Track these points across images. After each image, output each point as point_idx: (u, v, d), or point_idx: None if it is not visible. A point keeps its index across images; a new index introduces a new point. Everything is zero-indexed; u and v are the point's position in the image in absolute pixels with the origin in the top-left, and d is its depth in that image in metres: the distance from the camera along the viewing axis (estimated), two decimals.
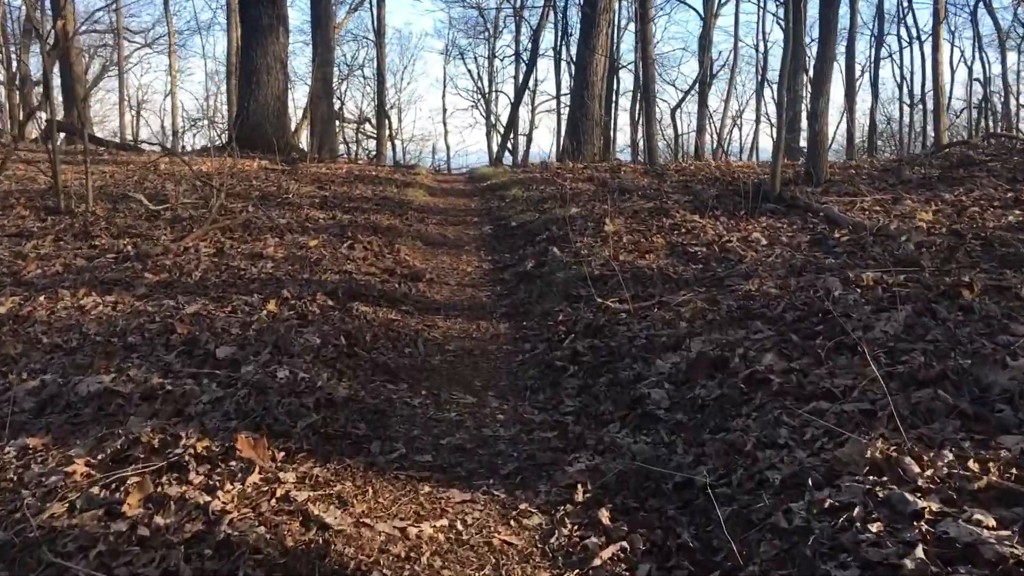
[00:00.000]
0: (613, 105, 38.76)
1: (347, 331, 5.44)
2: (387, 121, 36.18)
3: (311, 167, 13.96)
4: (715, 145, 43.16)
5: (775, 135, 8.29)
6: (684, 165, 13.11)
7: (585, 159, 18.76)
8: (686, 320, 5.06)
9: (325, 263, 7.24)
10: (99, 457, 3.60)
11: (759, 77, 35.48)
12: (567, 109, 38.54)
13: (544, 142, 53.89)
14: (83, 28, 40.85)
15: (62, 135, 23.64)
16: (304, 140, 27.31)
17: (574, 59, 39.84)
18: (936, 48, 21.78)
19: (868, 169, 10.01)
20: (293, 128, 28.64)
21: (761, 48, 36.89)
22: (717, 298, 5.33)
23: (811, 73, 28.36)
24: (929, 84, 35.45)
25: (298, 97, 41.24)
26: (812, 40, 27.71)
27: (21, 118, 21.94)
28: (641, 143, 32.52)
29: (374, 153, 38.70)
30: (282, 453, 3.81)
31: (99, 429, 4.06)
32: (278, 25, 18.50)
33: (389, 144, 37.71)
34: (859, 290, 4.95)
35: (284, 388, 4.45)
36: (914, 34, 39.81)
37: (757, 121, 36.43)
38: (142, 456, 3.70)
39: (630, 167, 13.32)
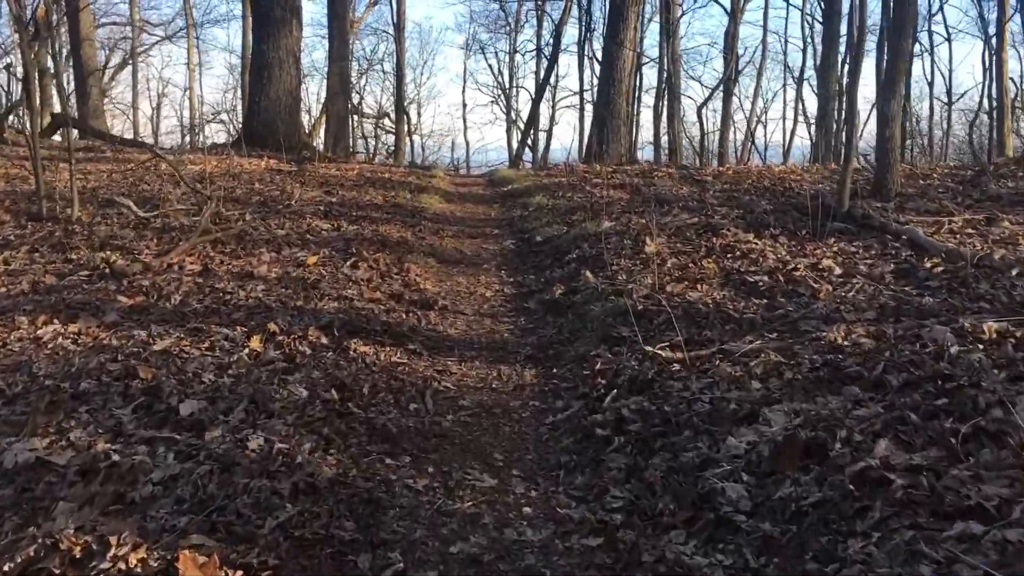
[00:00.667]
0: (636, 102, 37.67)
1: (341, 381, 4.47)
2: (406, 117, 35.23)
3: (321, 168, 13.01)
4: (741, 144, 41.98)
5: (845, 141, 7.23)
6: (724, 170, 12.03)
7: (612, 159, 17.72)
8: (758, 378, 4.04)
9: (323, 286, 6.27)
10: (5, 569, 2.71)
11: (798, 74, 34.30)
12: (590, 106, 37.50)
13: (565, 137, 52.60)
14: (102, 20, 40.27)
15: (71, 131, 22.89)
16: (322, 137, 26.43)
17: (599, 54, 38.75)
18: (1000, 47, 20.53)
19: (940, 179, 8.90)
20: (310, 125, 27.57)
21: (795, 44, 35.71)
22: (794, 348, 4.30)
23: (845, 70, 27.21)
24: (958, 83, 34.10)
25: (318, 91, 40.46)
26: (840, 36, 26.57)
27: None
28: (665, 141, 31.43)
29: (392, 148, 37.90)
30: (239, 574, 2.84)
31: (16, 521, 3.14)
32: (291, 17, 17.54)
33: (408, 140, 36.76)
34: (981, 346, 3.91)
35: (255, 464, 3.49)
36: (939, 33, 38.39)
37: (795, 120, 35.18)
38: (58, 571, 2.78)
39: (663, 171, 12.27)
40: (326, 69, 24.52)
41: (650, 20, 34.39)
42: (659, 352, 4.50)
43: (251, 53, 18.11)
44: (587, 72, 35.62)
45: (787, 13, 55.93)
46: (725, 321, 4.87)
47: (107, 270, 6.69)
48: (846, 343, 4.26)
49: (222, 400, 4.22)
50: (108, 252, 7.33)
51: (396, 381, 4.62)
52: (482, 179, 14.80)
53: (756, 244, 6.32)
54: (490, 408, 4.40)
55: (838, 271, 5.46)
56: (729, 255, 6.14)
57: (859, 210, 6.58)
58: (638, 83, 40.50)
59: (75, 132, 19.49)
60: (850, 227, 6.38)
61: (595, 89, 38.31)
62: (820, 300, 4.96)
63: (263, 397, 4.24)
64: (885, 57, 20.85)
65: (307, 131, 23.65)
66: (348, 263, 6.93)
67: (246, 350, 4.96)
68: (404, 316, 5.79)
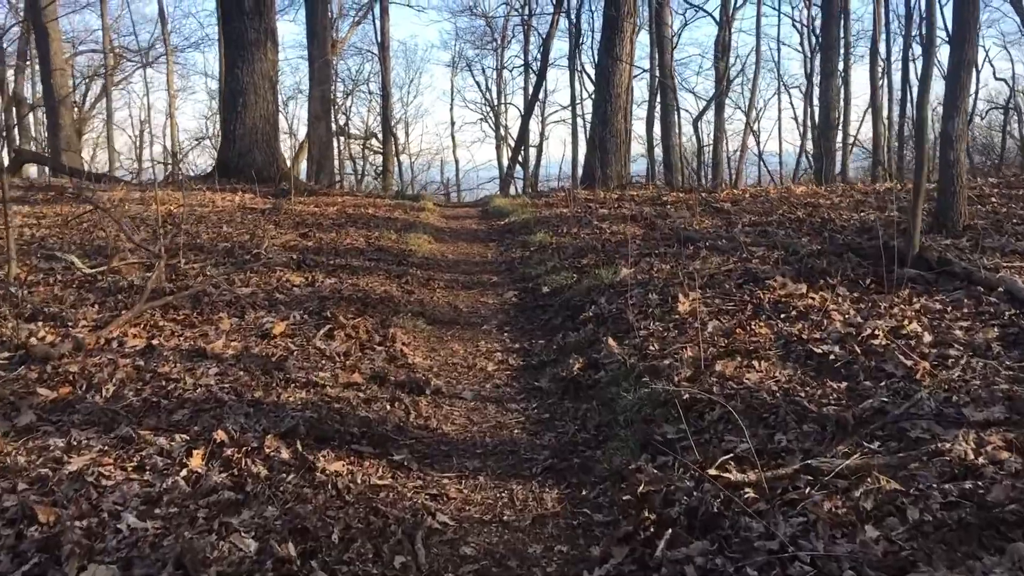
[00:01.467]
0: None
1: (302, 523, 3.33)
2: (393, 138, 34.17)
3: (298, 204, 11.88)
4: (737, 155, 41.00)
5: (915, 171, 6.11)
6: (741, 194, 10.95)
7: (612, 180, 16.64)
8: (871, 519, 2.92)
9: (290, 366, 5.13)
10: None
11: (805, 83, 33.41)
12: (582, 121, 36.50)
13: (555, 152, 51.53)
14: (80, 48, 39.15)
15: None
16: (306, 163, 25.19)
17: (588, 67, 37.82)
18: None
19: (1000, 199, 7.81)
20: (295, 150, 26.26)
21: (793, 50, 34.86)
22: (909, 466, 3.18)
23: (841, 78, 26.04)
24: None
25: (301, 115, 39.48)
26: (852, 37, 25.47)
27: None
28: (658, 152, 30.47)
29: (381, 169, 36.80)
30: None
31: None
32: (265, 40, 16.46)
33: (395, 161, 35.70)
34: None
35: None
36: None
37: (802, 131, 34.15)
38: None
39: (674, 196, 11.19)
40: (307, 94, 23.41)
41: (638, 31, 33.43)
42: (723, 474, 3.37)
43: (224, 79, 16.99)
44: (577, 86, 34.63)
45: (779, 20, 55.13)
46: (801, 418, 3.74)
47: (29, 351, 5.54)
48: (981, 460, 3.14)
49: (140, 564, 3.09)
50: (38, 324, 6.18)
51: (376, 517, 3.48)
52: (475, 210, 13.68)
53: (813, 299, 5.20)
54: (502, 559, 3.25)
55: (928, 338, 4.34)
56: (782, 315, 5.01)
57: (933, 252, 5.47)
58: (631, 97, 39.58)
59: (36, 168, 18.35)
60: (922, 273, 5.27)
61: (586, 104, 37.36)
62: (921, 385, 3.83)
63: (194, 559, 3.10)
64: (906, 64, 19.35)
65: (288, 159, 22.51)
66: (322, 331, 5.79)
67: (184, 471, 3.83)
68: (389, 407, 4.65)
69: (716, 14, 36.89)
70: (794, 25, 39.13)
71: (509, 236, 9.63)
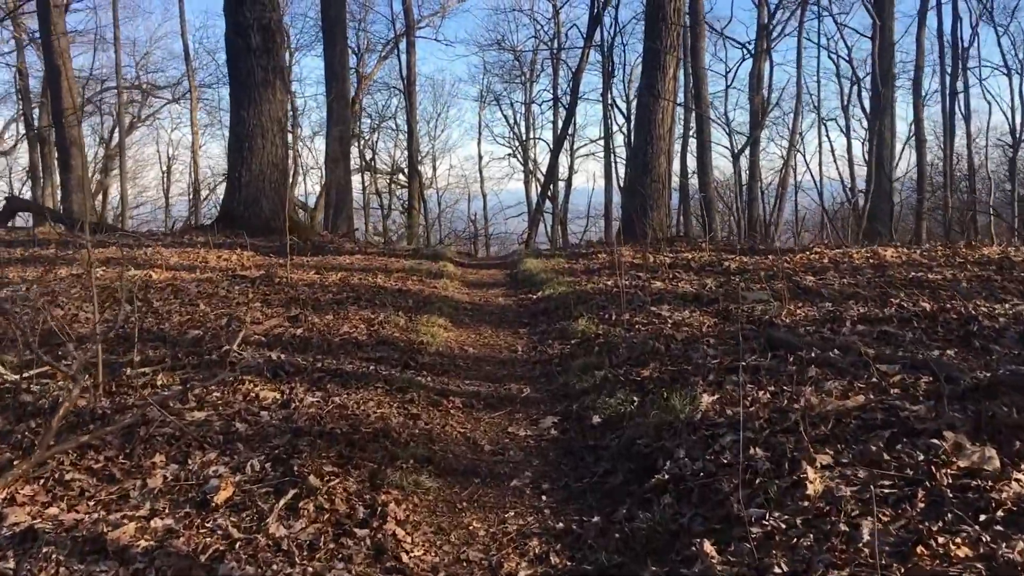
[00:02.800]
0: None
1: None
2: (418, 175, 32.70)
3: (298, 269, 10.18)
4: (776, 193, 39.12)
5: None
6: (818, 256, 9.05)
7: (653, 231, 14.83)
8: None
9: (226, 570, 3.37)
10: None
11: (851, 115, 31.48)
12: (614, 158, 34.78)
13: (581, 181, 49.45)
14: (106, 85, 38.25)
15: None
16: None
17: (622, 103, 36.17)
18: None
19: None
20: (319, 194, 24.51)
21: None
22: None
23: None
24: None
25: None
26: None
27: None
28: (692, 188, 28.68)
29: (407, 204, 35.32)
30: None
31: None
32: (274, 79, 14.93)
33: (420, 199, 34.21)
34: None
35: None
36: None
37: (853, 163, 32.15)
38: None
39: (737, 259, 9.35)
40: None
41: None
42: None
43: (230, 121, 15.49)
44: (609, 121, 33.00)
45: (818, 53, 53.42)
46: None
47: None
48: None
49: None
50: None
51: None
52: (501, 273, 11.83)
53: (1018, 481, 3.34)
54: None
55: None
56: (980, 511, 3.16)
57: None
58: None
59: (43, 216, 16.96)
60: None
61: (616, 138, 35.65)
62: None
63: None
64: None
65: (298, 206, 20.91)
66: (284, 500, 4.01)
67: None
68: None
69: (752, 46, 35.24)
70: (830, 57, 37.29)
71: (543, 319, 7.81)
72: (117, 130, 32.71)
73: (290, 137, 40.18)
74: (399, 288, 8.84)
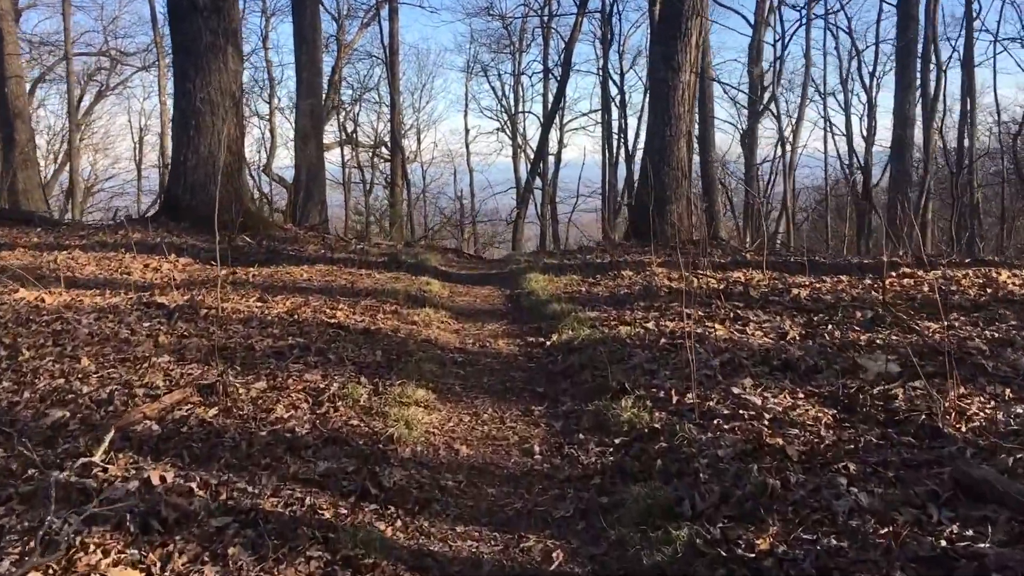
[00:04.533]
0: (628, 132, 31.90)
1: None
2: (400, 150, 30.11)
3: (242, 286, 7.77)
4: (781, 170, 36.85)
5: None
6: (912, 285, 6.70)
7: (671, 226, 12.49)
8: None
9: None
10: None
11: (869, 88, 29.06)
12: (610, 135, 32.26)
13: (572, 156, 46.28)
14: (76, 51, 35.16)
15: None
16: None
17: (616, 76, 33.56)
18: None
19: None
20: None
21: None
22: None
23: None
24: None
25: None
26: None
27: None
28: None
29: (389, 179, 32.80)
30: None
31: None
32: (225, 44, 12.34)
33: (404, 174, 31.59)
34: None
35: None
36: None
37: (849, 145, 29.83)
38: None
39: (801, 280, 7.04)
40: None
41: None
42: None
43: (174, 94, 12.93)
44: (607, 93, 30.51)
45: (817, 29, 50.84)
46: None
47: None
48: None
49: None
50: None
51: None
52: (499, 293, 9.21)
53: None
54: None
55: None
56: None
57: None
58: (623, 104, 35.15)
59: None
60: None
61: (608, 117, 33.17)
62: None
63: None
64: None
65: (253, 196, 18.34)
66: None
67: None
68: None
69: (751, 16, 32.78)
70: (828, 29, 34.67)
71: (566, 385, 5.35)
72: (74, 101, 29.85)
73: (266, 108, 37.46)
74: (366, 328, 6.43)
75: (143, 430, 4.56)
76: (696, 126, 22.53)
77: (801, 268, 8.30)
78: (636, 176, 33.64)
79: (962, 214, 25.53)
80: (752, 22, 31.66)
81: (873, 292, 6.96)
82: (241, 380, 5.27)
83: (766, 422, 4.23)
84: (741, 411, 4.40)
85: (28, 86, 34.61)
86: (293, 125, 18.85)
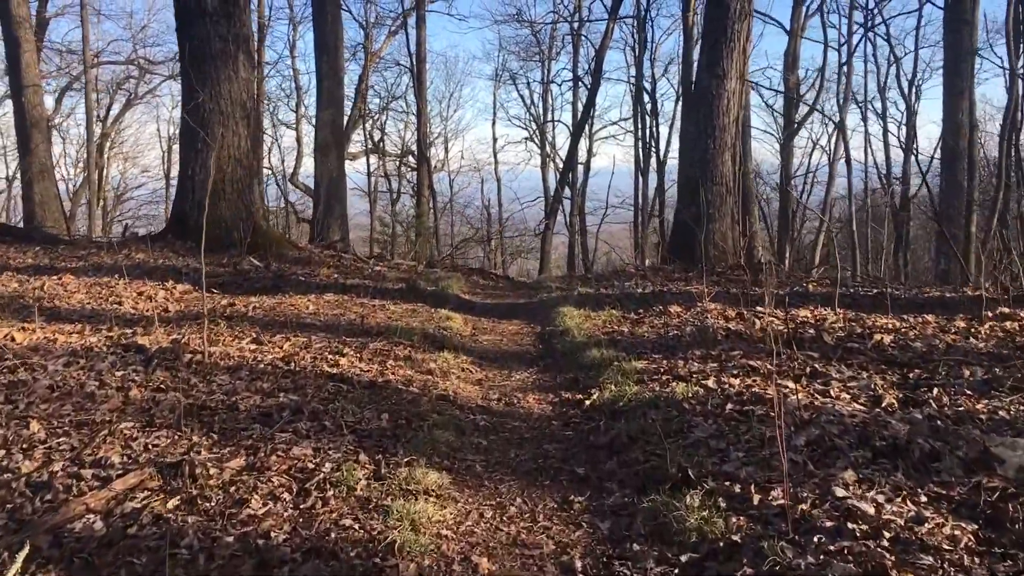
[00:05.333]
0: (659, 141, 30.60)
1: None
2: (426, 161, 29.25)
3: (231, 330, 6.81)
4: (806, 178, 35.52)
5: None
6: None
7: (712, 247, 11.39)
8: None
9: None
10: None
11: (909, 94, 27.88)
12: (643, 146, 31.10)
13: (601, 164, 44.73)
14: (103, 59, 34.79)
15: None
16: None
17: (648, 84, 32.35)
18: None
19: None
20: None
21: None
22: None
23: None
24: None
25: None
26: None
27: None
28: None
29: (416, 188, 31.99)
30: None
31: None
32: (236, 51, 11.48)
33: (429, 185, 30.73)
34: None
35: None
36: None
37: (886, 155, 28.40)
38: None
39: (893, 322, 5.94)
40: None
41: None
42: None
43: (182, 103, 12.09)
44: (640, 103, 29.42)
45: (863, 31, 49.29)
46: None
47: None
48: None
49: None
50: None
51: None
52: (528, 328, 8.17)
53: None
54: None
55: None
56: None
57: None
58: (650, 112, 33.62)
59: None
60: None
61: (644, 128, 31.96)
62: None
63: None
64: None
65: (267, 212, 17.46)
66: None
67: None
68: None
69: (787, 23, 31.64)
70: (867, 36, 33.20)
71: (613, 466, 4.17)
72: (92, 110, 29.38)
73: (292, 116, 36.79)
74: (372, 381, 5.43)
75: (82, 529, 3.59)
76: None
77: (874, 302, 7.17)
78: (667, 186, 32.59)
79: None
80: (788, 29, 30.51)
81: (972, 339, 5.84)
82: (215, 455, 4.28)
83: (886, 542, 3.16)
84: (849, 523, 3.32)
85: (56, 96, 34.33)
86: (314, 137, 17.99)
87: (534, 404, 5.45)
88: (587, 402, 5.23)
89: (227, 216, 11.57)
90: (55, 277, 9.07)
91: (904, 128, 34.12)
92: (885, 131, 40.49)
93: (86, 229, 23.15)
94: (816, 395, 4.84)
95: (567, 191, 33.47)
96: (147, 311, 7.65)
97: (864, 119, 35.39)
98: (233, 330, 6.76)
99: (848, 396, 4.83)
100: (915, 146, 31.99)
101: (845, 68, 28.48)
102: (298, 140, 35.83)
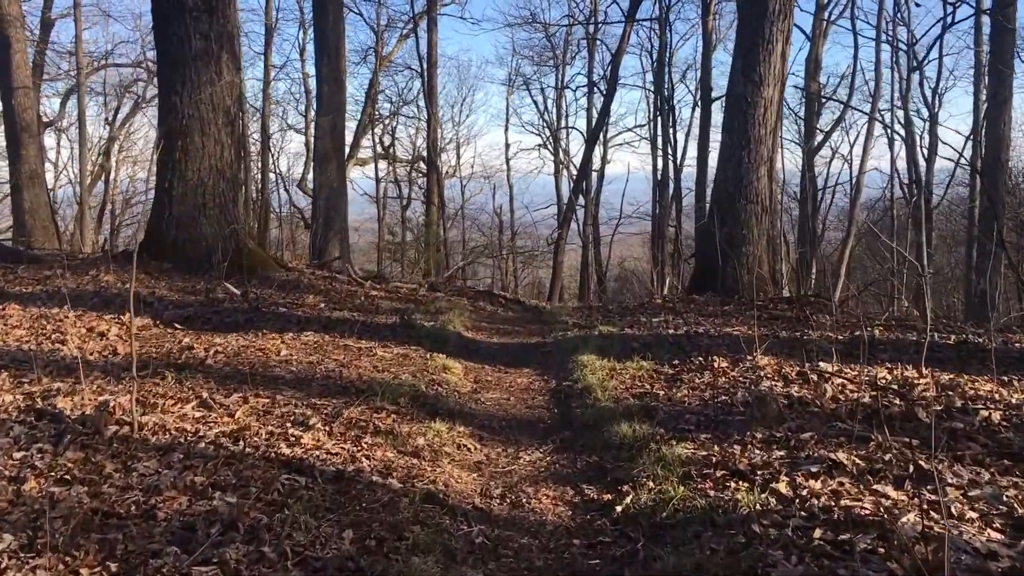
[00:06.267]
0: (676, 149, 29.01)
1: None
2: (436, 170, 28.06)
3: (183, 384, 5.55)
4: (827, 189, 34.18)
5: None
6: None
7: (746, 271, 10.10)
8: None
9: None
10: None
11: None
12: (659, 153, 29.78)
13: (615, 171, 43.02)
14: (102, 63, 33.78)
15: None
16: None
17: (659, 87, 31.03)
18: None
19: None
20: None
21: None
22: None
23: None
24: None
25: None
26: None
27: None
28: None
29: (426, 194, 30.84)
30: None
31: None
32: (219, 51, 10.26)
33: (438, 192, 29.53)
34: None
35: None
36: None
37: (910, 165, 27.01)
38: None
39: (993, 397, 4.66)
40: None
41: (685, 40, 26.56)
42: None
43: (158, 109, 10.89)
44: (646, 104, 28.08)
45: (877, 37, 47.70)
46: None
47: None
48: None
49: None
50: None
51: None
52: (541, 380, 6.83)
53: None
54: None
55: None
56: None
57: None
58: (669, 121, 32.45)
59: None
60: None
61: (667, 138, 30.73)
62: None
63: None
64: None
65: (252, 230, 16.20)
66: None
67: None
68: None
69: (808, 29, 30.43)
70: (888, 41, 31.70)
71: None
72: (84, 113, 28.37)
73: (301, 121, 35.66)
74: (338, 472, 4.13)
75: None
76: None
77: (959, 355, 5.86)
78: (683, 194, 31.24)
79: None
80: (810, 35, 29.18)
81: None
82: None
83: None
84: None
85: (61, 99, 33.26)
86: (312, 144, 16.71)
87: (548, 505, 4.15)
88: (618, 507, 3.93)
89: (208, 234, 10.34)
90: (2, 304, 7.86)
91: (927, 136, 32.70)
92: (910, 140, 38.91)
93: (89, 239, 22.01)
94: (930, 510, 3.54)
95: (580, 199, 32.21)
96: (91, 354, 6.42)
97: (891, 127, 33.80)
98: (182, 385, 5.50)
99: (975, 514, 3.52)
100: (936, 155, 30.59)
101: (873, 72, 26.97)
102: (307, 145, 34.72)
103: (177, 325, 7.44)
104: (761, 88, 10.57)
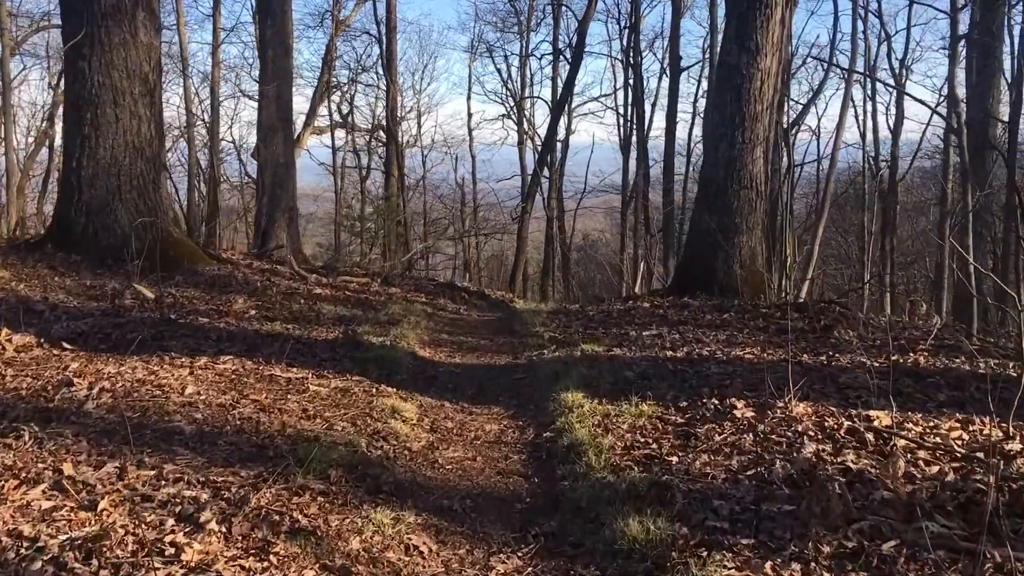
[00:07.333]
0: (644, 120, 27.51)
1: None
2: (394, 138, 26.43)
3: (107, 372, 4.12)
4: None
5: None
6: None
7: (738, 265, 8.84)
8: None
9: None
10: None
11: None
12: (629, 126, 28.43)
13: (579, 140, 41.11)
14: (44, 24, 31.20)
15: None
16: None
17: (631, 57, 29.58)
18: None
19: None
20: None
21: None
22: None
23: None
24: None
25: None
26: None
27: None
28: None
29: (385, 165, 29.22)
30: None
31: None
32: (134, 8, 8.60)
33: (400, 165, 27.96)
34: None
35: None
36: None
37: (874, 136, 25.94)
38: None
39: None
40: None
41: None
42: None
43: (65, 79, 9.25)
44: (612, 73, 26.66)
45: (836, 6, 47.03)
46: None
47: None
48: None
49: None
50: None
51: None
52: (514, 414, 5.38)
53: None
54: None
55: None
56: None
57: None
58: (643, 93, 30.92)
59: None
60: None
61: (640, 109, 29.29)
62: None
63: None
64: None
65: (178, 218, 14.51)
66: None
67: None
68: None
69: None
70: (856, 11, 30.54)
71: None
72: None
73: (255, 88, 33.51)
74: None
75: None
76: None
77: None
78: (651, 170, 29.98)
79: None
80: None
81: None
82: None
83: None
84: None
85: None
86: (257, 116, 15.02)
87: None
88: None
89: (124, 222, 8.78)
90: None
91: (893, 108, 31.78)
92: (873, 111, 37.98)
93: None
94: None
95: (545, 171, 30.83)
96: None
97: (865, 99, 32.80)
98: (40, 450, 4.07)
99: None
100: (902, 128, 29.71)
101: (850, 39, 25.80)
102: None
103: (66, 345, 5.95)
104: (758, 58, 9.24)
